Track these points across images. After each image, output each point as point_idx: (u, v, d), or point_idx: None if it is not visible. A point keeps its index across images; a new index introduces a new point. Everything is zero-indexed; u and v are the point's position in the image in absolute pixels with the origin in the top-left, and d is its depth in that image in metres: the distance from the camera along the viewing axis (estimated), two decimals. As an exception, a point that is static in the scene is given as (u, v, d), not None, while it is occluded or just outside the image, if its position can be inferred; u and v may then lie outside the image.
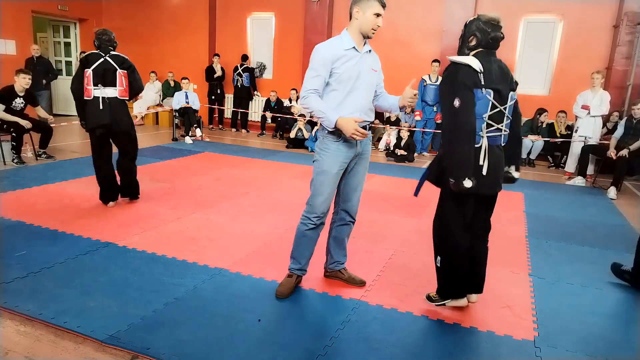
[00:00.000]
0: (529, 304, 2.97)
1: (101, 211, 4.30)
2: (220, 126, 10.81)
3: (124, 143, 4.54)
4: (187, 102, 8.93)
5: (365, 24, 2.63)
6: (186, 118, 8.87)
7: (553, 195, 6.03)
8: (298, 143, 8.74)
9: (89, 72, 4.29)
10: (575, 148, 7.14)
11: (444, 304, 2.80)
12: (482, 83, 2.42)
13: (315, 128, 8.58)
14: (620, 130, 6.62)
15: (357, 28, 2.66)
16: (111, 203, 4.53)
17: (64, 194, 4.76)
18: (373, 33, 2.67)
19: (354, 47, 2.66)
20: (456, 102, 2.40)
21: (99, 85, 4.31)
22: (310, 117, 9.05)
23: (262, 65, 10.60)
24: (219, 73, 10.30)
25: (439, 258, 2.75)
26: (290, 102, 9.74)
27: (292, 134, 8.77)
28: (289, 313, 2.70)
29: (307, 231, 2.83)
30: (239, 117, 10.39)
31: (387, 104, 2.88)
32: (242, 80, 10.10)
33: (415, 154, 8.29)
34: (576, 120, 7.24)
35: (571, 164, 7.31)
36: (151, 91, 10.56)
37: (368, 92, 2.76)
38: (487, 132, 2.46)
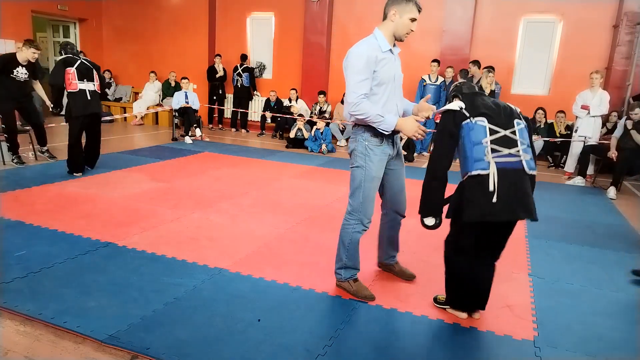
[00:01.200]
0: (528, 304, 2.97)
1: (101, 211, 4.30)
2: (220, 126, 10.81)
3: (97, 124, 5.75)
4: (187, 102, 8.93)
5: (401, 27, 2.63)
6: (186, 118, 8.86)
7: (553, 195, 6.03)
8: (298, 143, 8.73)
9: (72, 69, 5.39)
10: (575, 148, 7.14)
11: (444, 308, 2.83)
12: (468, 115, 2.46)
13: (314, 128, 8.57)
14: (620, 130, 6.62)
15: (392, 30, 2.65)
16: (78, 174, 5.57)
17: (63, 194, 4.76)
18: (406, 37, 2.68)
19: (390, 50, 2.66)
20: (431, 147, 2.48)
21: (84, 80, 5.48)
22: (328, 119, 9.03)
23: (262, 65, 10.60)
24: (220, 73, 10.30)
25: (446, 274, 2.76)
26: (290, 102, 9.74)
27: (292, 134, 8.76)
28: (289, 313, 2.70)
29: (359, 237, 2.85)
30: (238, 117, 10.38)
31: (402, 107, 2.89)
32: (241, 80, 10.09)
33: (415, 154, 8.30)
34: (576, 120, 7.24)
35: (571, 164, 7.30)
36: (151, 91, 10.56)
37: (400, 93, 2.81)
38: (494, 157, 2.38)
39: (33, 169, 5.80)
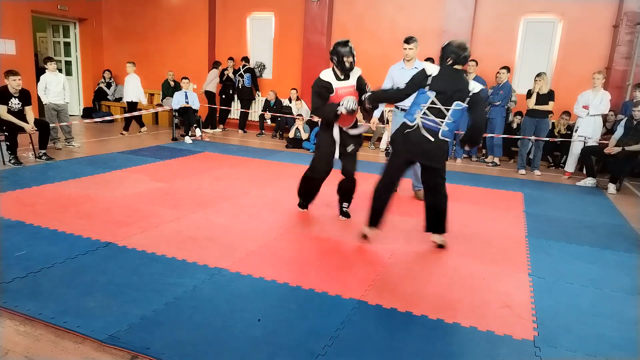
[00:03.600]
0: (528, 304, 2.97)
1: (101, 211, 4.30)
2: (222, 126, 10.79)
3: None
4: (187, 102, 8.92)
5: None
6: (186, 118, 8.86)
7: (553, 195, 6.03)
8: (298, 143, 8.72)
9: None
10: (575, 148, 7.13)
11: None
12: (428, 84, 3.41)
13: (315, 128, 8.56)
14: (620, 131, 6.62)
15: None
16: None
17: (63, 194, 4.76)
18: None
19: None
20: (402, 85, 3.65)
21: None
22: (311, 117, 9.02)
23: (262, 65, 10.60)
24: (230, 76, 10.27)
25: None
26: (290, 102, 9.73)
27: (291, 134, 8.76)
28: (288, 313, 2.70)
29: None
30: (233, 117, 10.36)
31: None
32: (242, 81, 10.10)
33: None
34: (577, 120, 7.24)
35: (571, 164, 7.30)
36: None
37: None
38: (421, 117, 3.42)
39: (32, 169, 5.80)
